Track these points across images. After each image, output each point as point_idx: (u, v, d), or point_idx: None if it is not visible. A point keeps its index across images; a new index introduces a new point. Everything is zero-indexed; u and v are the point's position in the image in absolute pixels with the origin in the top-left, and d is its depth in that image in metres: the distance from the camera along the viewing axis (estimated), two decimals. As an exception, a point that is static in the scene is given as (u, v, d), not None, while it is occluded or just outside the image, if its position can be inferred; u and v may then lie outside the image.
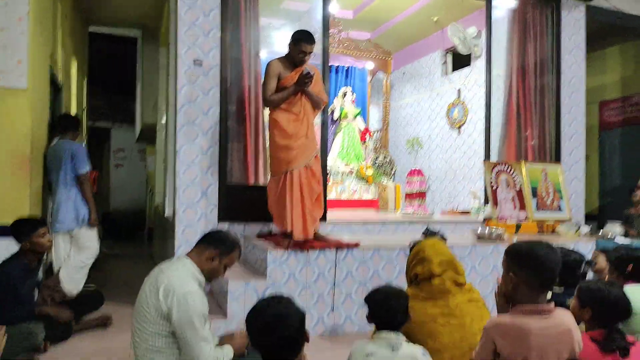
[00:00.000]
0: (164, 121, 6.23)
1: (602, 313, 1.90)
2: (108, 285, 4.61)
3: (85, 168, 4.06)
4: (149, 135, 8.55)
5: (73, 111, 6.34)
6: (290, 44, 3.69)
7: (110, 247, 7.95)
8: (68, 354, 3.06)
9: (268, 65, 3.73)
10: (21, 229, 3.17)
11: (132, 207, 10.96)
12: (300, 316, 1.59)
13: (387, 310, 2.02)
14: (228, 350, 2.14)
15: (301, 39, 3.63)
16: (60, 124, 4.34)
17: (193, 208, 4.12)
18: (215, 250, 2.16)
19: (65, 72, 5.66)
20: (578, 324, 1.99)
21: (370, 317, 2.08)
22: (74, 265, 4.05)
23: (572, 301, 2.04)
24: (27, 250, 3.15)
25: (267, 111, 6.48)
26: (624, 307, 1.91)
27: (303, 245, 3.55)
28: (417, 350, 1.96)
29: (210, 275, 2.19)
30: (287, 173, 3.61)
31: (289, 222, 3.60)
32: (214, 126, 4.23)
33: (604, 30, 6.92)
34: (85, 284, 4.27)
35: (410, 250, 2.69)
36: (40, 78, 4.04)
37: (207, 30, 4.23)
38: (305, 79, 3.58)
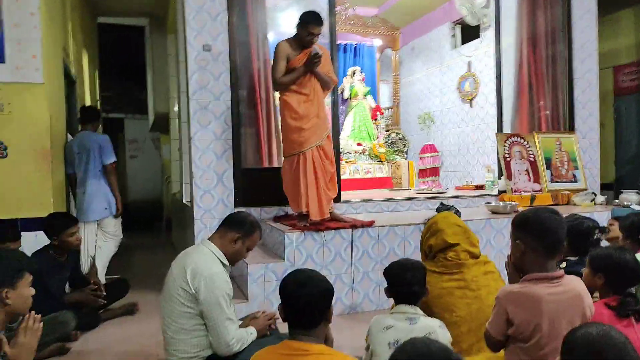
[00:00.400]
0: (176, 109, 6.30)
1: (614, 278, 1.93)
2: (131, 275, 4.75)
3: (112, 158, 4.26)
4: (162, 124, 8.64)
5: (87, 103, 6.44)
6: (298, 26, 3.69)
7: (129, 238, 8.10)
8: (99, 342, 3.17)
9: (277, 47, 3.73)
10: (52, 225, 3.27)
11: (149, 198, 11.10)
12: (329, 284, 1.68)
13: (404, 282, 2.07)
14: (252, 331, 2.24)
15: (309, 21, 3.62)
16: (82, 116, 4.50)
17: (210, 193, 4.21)
18: (237, 233, 2.24)
19: (77, 64, 5.74)
20: (592, 292, 2.03)
21: (389, 291, 2.14)
22: (107, 254, 4.38)
23: (584, 269, 2.07)
24: (55, 246, 3.27)
25: (277, 93, 6.53)
26: (635, 272, 1.93)
27: (319, 226, 3.62)
28: (434, 323, 2.01)
29: (234, 258, 2.28)
30: (300, 154, 3.65)
31: (305, 203, 3.65)
32: (226, 111, 4.28)
33: (618, -7, 6.74)
34: (108, 274, 4.52)
35: (425, 225, 2.74)
36: (55, 72, 4.12)
37: (215, 14, 4.25)
38: (314, 59, 3.58)
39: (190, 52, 4.17)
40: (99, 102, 7.83)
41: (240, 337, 2.14)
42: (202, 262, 2.14)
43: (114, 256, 4.53)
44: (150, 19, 7.87)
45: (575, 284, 1.79)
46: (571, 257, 2.67)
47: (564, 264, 2.61)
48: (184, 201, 5.48)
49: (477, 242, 2.54)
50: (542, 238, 1.78)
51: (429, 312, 2.21)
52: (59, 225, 3.27)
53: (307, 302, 1.60)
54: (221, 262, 2.21)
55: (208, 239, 2.28)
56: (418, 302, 2.08)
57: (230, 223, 2.29)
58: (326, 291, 1.65)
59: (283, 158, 3.86)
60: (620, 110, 7.55)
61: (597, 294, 2.02)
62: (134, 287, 4.16)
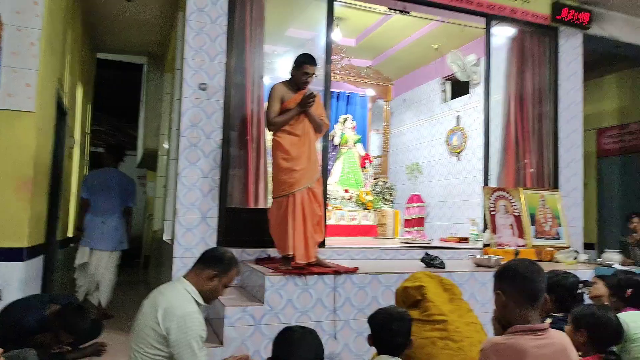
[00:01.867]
0: (166, 146, 6.31)
1: (597, 336, 1.90)
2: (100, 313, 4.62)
3: (135, 203, 5.15)
4: (149, 161, 8.62)
5: (77, 136, 6.42)
6: (293, 67, 3.79)
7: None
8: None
9: (272, 88, 3.80)
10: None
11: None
12: (321, 350, 1.68)
13: (388, 332, 2.02)
14: None
15: (304, 61, 3.73)
16: (111, 153, 5.19)
17: (192, 231, 4.14)
18: (214, 270, 2.17)
19: (71, 96, 5.76)
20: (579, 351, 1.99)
21: (372, 339, 2.07)
22: (111, 284, 4.94)
23: (567, 326, 2.04)
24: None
25: (268, 135, 6.58)
26: (617, 330, 1.91)
27: (302, 270, 3.55)
28: None
29: (210, 296, 2.20)
30: (289, 196, 3.63)
31: (291, 245, 3.59)
32: (216, 149, 4.28)
33: (602, 59, 7.05)
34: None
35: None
36: (47, 102, 4.12)
37: (213, 55, 4.33)
38: (308, 100, 3.65)
39: (186, 90, 4.22)
40: (88, 136, 7.82)
41: None
42: (175, 301, 2.05)
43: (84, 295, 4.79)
44: (149, 57, 8.02)
45: (561, 338, 1.77)
46: (556, 314, 2.63)
47: (549, 320, 2.57)
48: (165, 239, 5.38)
49: (457, 291, 2.52)
50: (520, 286, 1.77)
51: (410, 362, 2.14)
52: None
53: None
54: (196, 301, 2.13)
55: (183, 277, 2.20)
56: (401, 354, 2.01)
57: (207, 259, 2.22)
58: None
59: (272, 199, 3.83)
60: (602, 170, 7.73)
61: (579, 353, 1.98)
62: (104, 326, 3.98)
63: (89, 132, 8.00)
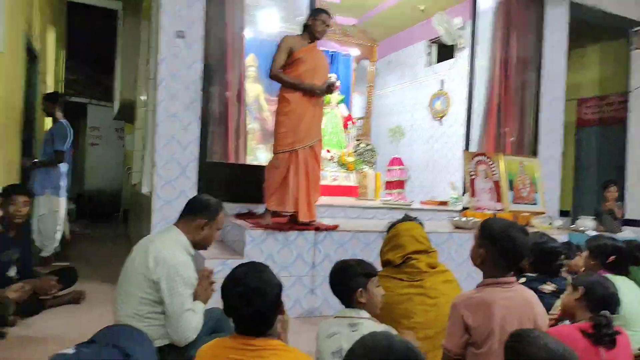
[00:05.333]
0: (144, 97, 6.10)
1: (594, 295, 1.93)
2: (82, 264, 4.54)
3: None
4: (127, 113, 8.36)
5: (49, 83, 6.15)
6: (309, 19, 3.73)
7: (83, 227, 7.79)
8: (40, 328, 2.98)
9: (282, 39, 3.72)
10: (1, 194, 3.09)
11: (108, 188, 10.70)
12: (278, 288, 1.57)
13: (334, 282, 2.08)
14: (200, 307, 2.08)
15: (322, 11, 3.74)
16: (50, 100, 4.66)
17: (171, 184, 4.05)
18: (204, 219, 2.15)
19: (42, 40, 5.47)
20: (567, 315, 2.04)
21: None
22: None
23: (566, 293, 2.06)
24: (4, 216, 3.06)
25: (251, 92, 6.41)
26: (609, 292, 1.95)
27: (283, 226, 3.54)
28: (378, 328, 1.91)
29: (204, 243, 2.20)
30: (292, 152, 3.57)
31: (293, 203, 3.56)
32: (195, 101, 4.14)
33: (586, 28, 7.03)
34: (60, 261, 4.59)
35: (388, 231, 2.68)
36: (15, 43, 3.89)
37: (192, 1, 4.13)
38: (332, 88, 3.69)
39: (163, 38, 4.03)
40: (61, 84, 7.50)
41: (198, 326, 2.03)
42: (167, 250, 2.03)
43: (65, 245, 4.57)
44: (124, 2, 7.63)
45: (526, 291, 1.83)
46: (531, 274, 2.69)
47: (523, 279, 2.62)
48: (144, 192, 5.28)
49: (436, 258, 2.53)
50: (506, 256, 1.79)
51: (387, 317, 2.16)
52: (5, 193, 3.10)
53: (257, 317, 1.50)
54: (187, 250, 2.12)
55: (174, 225, 2.17)
56: (353, 301, 1.99)
57: (194, 209, 2.18)
58: (275, 298, 1.55)
59: (273, 154, 3.71)
60: (580, 140, 7.85)
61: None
62: (82, 277, 3.94)
63: (62, 79, 7.67)
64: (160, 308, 1.99)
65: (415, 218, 4.12)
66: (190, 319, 1.99)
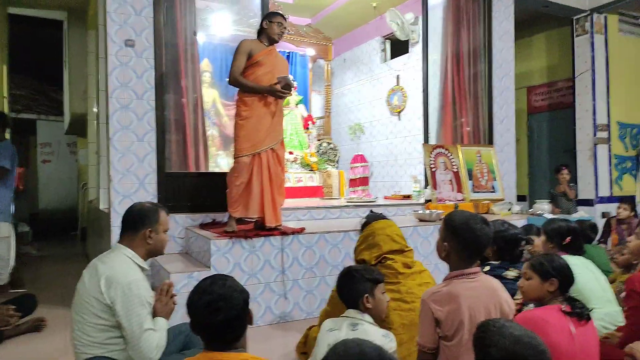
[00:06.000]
0: (95, 110, 5.89)
1: (566, 281, 2.00)
2: (39, 288, 4.34)
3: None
4: (79, 127, 8.05)
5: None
6: (264, 22, 3.69)
7: (40, 249, 7.45)
8: (-2, 360, 2.84)
9: (240, 43, 3.66)
10: None
11: (63, 206, 10.28)
12: (245, 296, 1.55)
13: (341, 286, 2.10)
14: (162, 324, 2.00)
15: (276, 14, 3.72)
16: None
17: (130, 198, 3.93)
18: (147, 227, 2.06)
19: (-20, 56, 5.20)
20: (533, 300, 2.09)
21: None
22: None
23: (524, 280, 2.10)
24: None
25: (206, 97, 6.30)
26: (572, 274, 2.02)
27: (248, 233, 3.50)
28: (378, 332, 1.97)
29: (158, 250, 2.12)
30: (254, 155, 3.52)
31: (258, 208, 3.52)
32: (149, 111, 4.04)
33: (531, 18, 7.30)
34: (16, 287, 4.39)
35: (362, 229, 2.68)
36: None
37: (139, 8, 4.02)
38: (286, 90, 3.60)
39: (111, 47, 3.91)
40: (5, 100, 7.15)
41: (160, 343, 1.95)
42: (118, 269, 1.94)
43: (20, 268, 4.27)
44: (68, 12, 7.34)
45: (490, 280, 1.88)
46: (494, 262, 2.76)
47: (487, 268, 2.69)
48: (101, 208, 5.10)
49: (411, 256, 2.54)
50: (469, 247, 1.84)
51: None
52: None
53: (225, 326, 1.47)
54: (139, 266, 2.03)
55: (119, 243, 2.08)
56: (359, 306, 2.03)
57: (133, 222, 2.08)
58: (244, 305, 1.52)
59: (234, 159, 3.63)
60: (532, 127, 8.15)
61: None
62: (41, 301, 3.77)
63: (6, 95, 7.31)
64: (118, 332, 1.92)
65: (380, 214, 4.17)
66: (151, 338, 1.90)
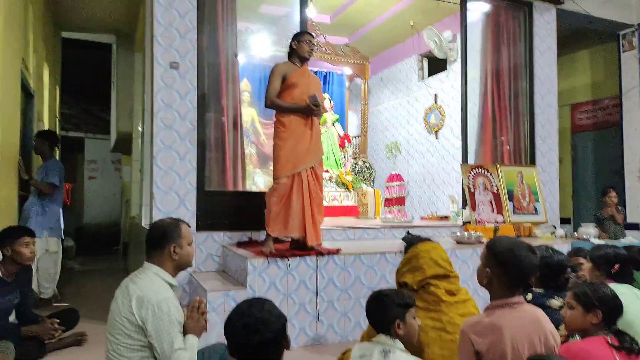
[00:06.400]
0: (140, 128, 6.12)
1: (613, 313, 1.90)
2: (81, 302, 4.49)
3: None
4: (124, 145, 8.38)
5: (45, 120, 6.17)
6: (293, 43, 3.78)
7: (83, 263, 7.71)
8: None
9: (274, 67, 3.76)
10: (2, 235, 3.04)
11: (107, 221, 10.66)
12: (283, 320, 1.55)
13: (370, 311, 2.05)
14: (193, 342, 2.00)
15: (304, 33, 3.83)
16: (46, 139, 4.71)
17: (171, 216, 4.01)
18: (171, 244, 2.08)
19: (37, 78, 5.51)
20: (576, 331, 1.99)
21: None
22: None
23: (567, 310, 2.01)
24: (5, 259, 3.02)
25: (245, 116, 6.44)
26: (620, 304, 1.92)
27: (284, 253, 3.51)
28: (409, 359, 1.91)
29: (185, 263, 2.14)
30: (294, 175, 3.56)
31: (299, 227, 3.53)
32: (191, 131, 4.16)
33: (574, 34, 7.10)
34: (59, 302, 4.59)
35: (405, 250, 2.63)
36: (10, 83, 3.91)
37: (184, 32, 4.17)
38: (316, 108, 3.64)
39: (157, 69, 4.06)
40: (57, 119, 7.53)
41: None
42: (148, 289, 1.97)
43: (64, 283, 4.36)
44: (117, 36, 7.71)
45: (534, 310, 1.81)
46: (537, 289, 2.65)
47: (530, 296, 2.59)
48: (143, 224, 5.26)
49: (456, 281, 2.47)
50: (512, 275, 1.78)
51: (405, 345, 2.11)
52: (12, 234, 3.05)
53: (261, 349, 1.48)
54: (169, 284, 2.05)
55: (148, 262, 2.10)
56: (391, 330, 1.98)
57: (158, 240, 2.10)
58: (281, 328, 1.53)
59: (273, 179, 3.69)
60: (577, 146, 7.87)
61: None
62: (83, 316, 3.88)
63: (58, 115, 7.70)
64: (150, 352, 1.94)
65: (417, 236, 4.10)
66: (182, 358, 1.91)
